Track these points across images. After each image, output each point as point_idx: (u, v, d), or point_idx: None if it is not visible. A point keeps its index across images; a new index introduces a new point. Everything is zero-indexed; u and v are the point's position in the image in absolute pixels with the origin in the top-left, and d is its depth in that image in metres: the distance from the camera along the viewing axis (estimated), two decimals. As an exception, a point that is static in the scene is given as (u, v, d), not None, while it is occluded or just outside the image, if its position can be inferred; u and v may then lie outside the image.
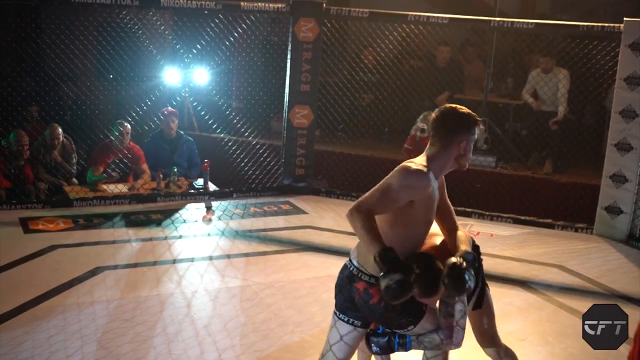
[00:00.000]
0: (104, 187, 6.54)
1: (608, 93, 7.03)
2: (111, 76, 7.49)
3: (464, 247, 2.72)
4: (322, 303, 4.37)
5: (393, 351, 2.80)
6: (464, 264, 2.58)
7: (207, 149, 7.36)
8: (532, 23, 6.38)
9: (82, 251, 5.15)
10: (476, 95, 7.83)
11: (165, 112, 6.98)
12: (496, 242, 5.88)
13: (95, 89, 7.78)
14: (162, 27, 7.98)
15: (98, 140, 6.89)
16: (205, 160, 6.86)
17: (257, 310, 4.31)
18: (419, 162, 2.67)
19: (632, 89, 5.90)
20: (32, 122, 7.11)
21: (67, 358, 3.60)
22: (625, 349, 2.78)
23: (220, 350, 3.79)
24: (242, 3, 6.55)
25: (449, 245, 2.80)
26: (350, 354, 2.83)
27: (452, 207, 2.90)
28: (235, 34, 7.06)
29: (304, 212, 6.45)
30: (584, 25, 6.13)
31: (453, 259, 2.60)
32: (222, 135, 7.45)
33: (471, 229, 6.08)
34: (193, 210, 6.32)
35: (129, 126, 6.73)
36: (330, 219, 6.24)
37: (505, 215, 6.49)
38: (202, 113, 7.62)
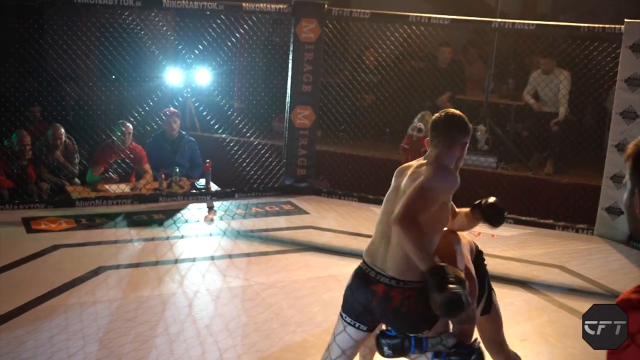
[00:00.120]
0: (107, 187, 6.55)
1: (609, 94, 7.04)
2: (113, 77, 7.51)
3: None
4: (324, 303, 4.37)
5: (406, 354, 2.77)
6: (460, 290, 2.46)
7: (209, 149, 7.36)
8: (533, 24, 6.38)
9: (85, 251, 5.17)
10: (477, 96, 7.84)
11: (167, 112, 6.98)
12: (497, 242, 5.88)
13: (97, 89, 7.78)
14: (164, 28, 8.00)
15: (100, 141, 6.90)
16: (207, 161, 6.87)
17: (259, 310, 4.32)
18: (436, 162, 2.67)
19: (633, 90, 5.91)
20: (35, 123, 7.13)
21: (69, 358, 3.61)
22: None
23: (221, 350, 3.80)
24: (243, 4, 6.56)
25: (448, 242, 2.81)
26: (354, 350, 2.82)
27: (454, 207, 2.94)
28: (237, 35, 7.07)
29: (306, 213, 6.45)
30: (584, 26, 6.14)
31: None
32: (223, 135, 7.46)
33: (472, 229, 6.07)
34: (195, 211, 6.33)
35: (131, 126, 6.73)
36: (332, 219, 6.22)
37: (506, 215, 6.48)
38: (204, 113, 7.62)
